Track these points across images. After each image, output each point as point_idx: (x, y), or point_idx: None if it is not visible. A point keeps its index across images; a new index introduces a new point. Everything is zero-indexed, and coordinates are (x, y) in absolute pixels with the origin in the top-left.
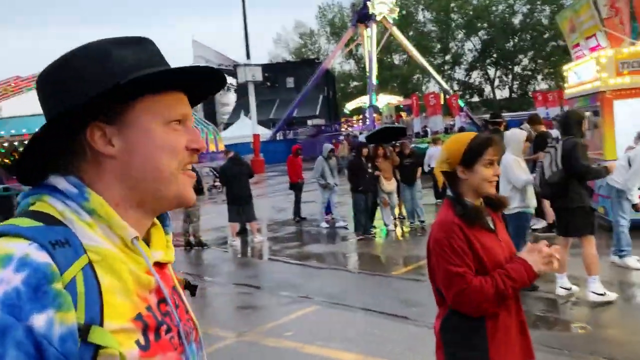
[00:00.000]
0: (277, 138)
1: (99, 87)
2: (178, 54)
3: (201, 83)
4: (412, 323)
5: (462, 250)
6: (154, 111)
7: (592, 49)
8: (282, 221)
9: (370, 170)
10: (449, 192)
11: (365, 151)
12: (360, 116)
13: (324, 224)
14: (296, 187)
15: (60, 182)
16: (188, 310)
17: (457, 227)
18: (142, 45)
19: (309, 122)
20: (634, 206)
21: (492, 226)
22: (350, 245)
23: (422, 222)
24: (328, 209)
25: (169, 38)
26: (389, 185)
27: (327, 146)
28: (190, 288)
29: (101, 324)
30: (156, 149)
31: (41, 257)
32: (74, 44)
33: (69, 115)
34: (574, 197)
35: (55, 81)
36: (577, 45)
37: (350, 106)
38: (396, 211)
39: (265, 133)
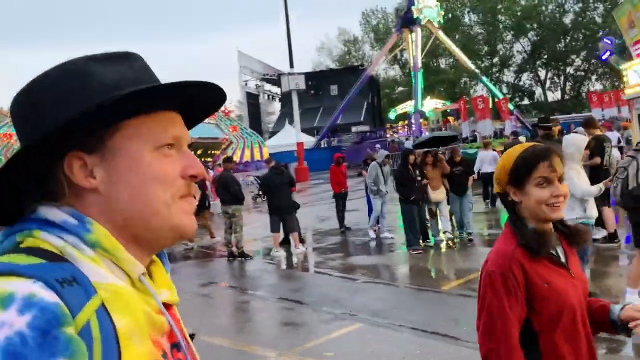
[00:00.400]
0: (321, 145)
1: (76, 109)
2: (224, 67)
3: (196, 100)
4: (462, 344)
5: (515, 293)
6: (141, 135)
7: None
8: (325, 231)
9: (419, 179)
10: (509, 217)
11: (412, 158)
12: (406, 122)
13: (371, 234)
14: (339, 196)
15: (54, 213)
16: (195, 357)
17: (516, 262)
18: (127, 61)
19: (353, 128)
20: None
21: (563, 259)
22: (396, 257)
23: (470, 233)
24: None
25: (214, 51)
26: (437, 194)
27: (383, 152)
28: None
29: None
30: (145, 180)
31: (49, 296)
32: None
33: (41, 143)
34: None
35: (29, 104)
36: (638, 42)
37: (395, 112)
38: (444, 223)
39: (309, 141)
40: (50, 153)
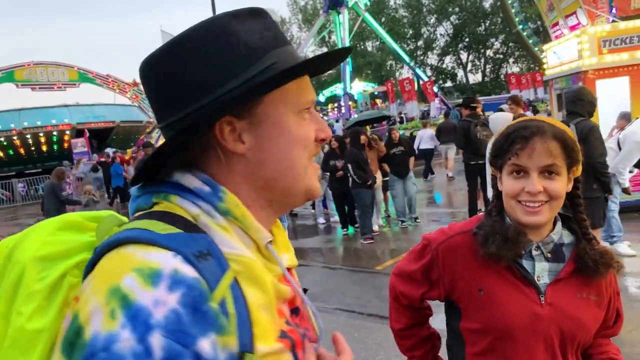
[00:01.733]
0: None
1: (228, 78)
2: (148, 47)
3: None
4: None
5: (425, 264)
6: (285, 101)
7: (572, 28)
8: None
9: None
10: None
11: (363, 139)
12: (335, 104)
13: (321, 220)
14: None
15: (189, 179)
16: (310, 319)
17: (450, 247)
18: (261, 18)
19: None
20: (625, 190)
21: (540, 278)
22: (330, 240)
23: (416, 219)
24: (324, 203)
25: (137, 29)
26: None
27: None
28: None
29: (253, 349)
30: (290, 144)
31: (190, 271)
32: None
33: (202, 117)
34: (587, 186)
35: (172, 70)
36: (556, 24)
37: (324, 95)
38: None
39: None
40: (207, 123)
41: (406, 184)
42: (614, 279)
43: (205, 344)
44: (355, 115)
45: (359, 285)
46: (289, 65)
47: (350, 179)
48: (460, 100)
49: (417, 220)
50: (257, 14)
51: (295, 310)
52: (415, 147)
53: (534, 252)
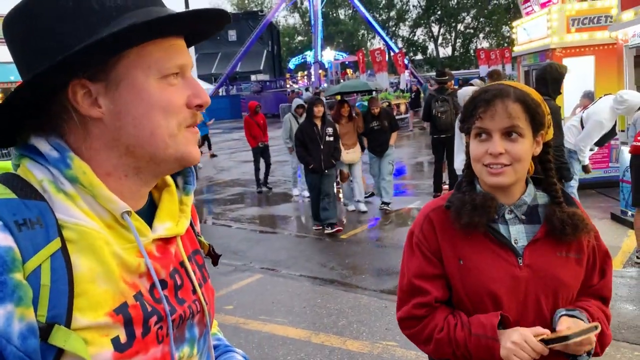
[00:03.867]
0: (220, 94)
1: (81, 35)
2: None
3: (199, 25)
4: (362, 292)
5: (422, 252)
6: (146, 63)
7: (543, 5)
8: (224, 182)
9: (329, 139)
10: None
11: (318, 111)
12: (305, 72)
13: (295, 192)
14: (257, 151)
15: (40, 143)
16: (195, 289)
17: (427, 224)
18: None
19: (253, 77)
20: (584, 167)
21: (517, 240)
22: (297, 208)
23: (387, 204)
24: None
25: None
26: (350, 155)
27: (297, 101)
28: (213, 256)
29: (68, 321)
30: (151, 110)
31: (5, 240)
32: None
33: (45, 74)
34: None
35: (26, 25)
36: (527, 0)
37: (293, 62)
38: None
39: (206, 88)
40: (53, 81)
41: (381, 163)
42: (599, 239)
43: None
44: (325, 85)
45: (324, 253)
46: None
47: None
48: (432, 74)
49: (388, 206)
50: None
51: (162, 283)
52: None
53: (508, 216)
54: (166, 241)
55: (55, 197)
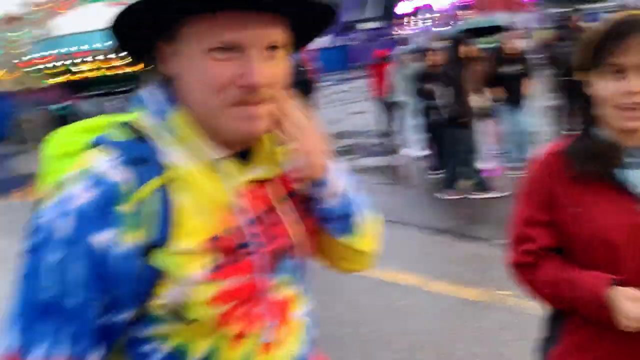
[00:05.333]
0: (328, 45)
1: None
2: None
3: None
4: (484, 242)
5: (535, 199)
6: (200, 34)
7: None
8: (334, 133)
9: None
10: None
11: (464, 50)
12: (413, 18)
13: (412, 152)
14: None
15: (152, 93)
16: (286, 228)
17: (541, 169)
18: None
19: (360, 25)
20: None
21: (632, 185)
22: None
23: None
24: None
25: None
26: (479, 100)
27: (402, 49)
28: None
29: (167, 245)
30: (197, 82)
31: (116, 175)
32: None
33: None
34: None
35: None
36: None
37: (402, 7)
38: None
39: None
40: (145, 38)
41: (517, 117)
42: None
43: (101, 237)
44: (459, 24)
45: (438, 203)
46: None
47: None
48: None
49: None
50: None
51: (254, 221)
52: None
53: (629, 160)
54: (260, 183)
55: (162, 142)
